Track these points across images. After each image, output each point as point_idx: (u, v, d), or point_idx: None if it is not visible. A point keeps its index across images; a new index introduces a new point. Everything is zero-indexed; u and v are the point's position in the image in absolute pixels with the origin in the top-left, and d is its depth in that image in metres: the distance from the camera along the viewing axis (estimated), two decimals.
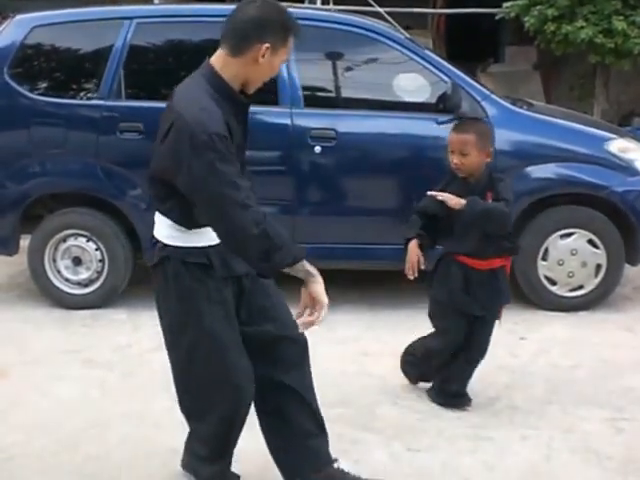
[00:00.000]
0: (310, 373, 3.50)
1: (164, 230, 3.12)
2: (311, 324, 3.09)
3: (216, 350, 3.15)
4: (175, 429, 4.05)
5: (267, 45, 2.99)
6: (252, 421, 3.36)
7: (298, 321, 3.11)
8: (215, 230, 2.97)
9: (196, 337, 3.16)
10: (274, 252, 2.90)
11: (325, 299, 3.06)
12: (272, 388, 3.34)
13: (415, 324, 5.42)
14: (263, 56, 3.01)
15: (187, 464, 3.57)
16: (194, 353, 3.20)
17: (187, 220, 3.05)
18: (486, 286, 4.10)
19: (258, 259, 2.92)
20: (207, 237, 3.06)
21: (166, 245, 3.10)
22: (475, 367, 4.27)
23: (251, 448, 3.51)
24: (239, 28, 3.03)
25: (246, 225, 2.83)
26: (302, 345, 3.45)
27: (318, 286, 3.07)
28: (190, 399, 3.41)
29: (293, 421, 3.38)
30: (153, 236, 3.17)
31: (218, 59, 3.10)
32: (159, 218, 3.13)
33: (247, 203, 2.85)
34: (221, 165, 2.84)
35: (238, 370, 3.19)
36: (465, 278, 4.10)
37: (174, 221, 3.07)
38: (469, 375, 4.28)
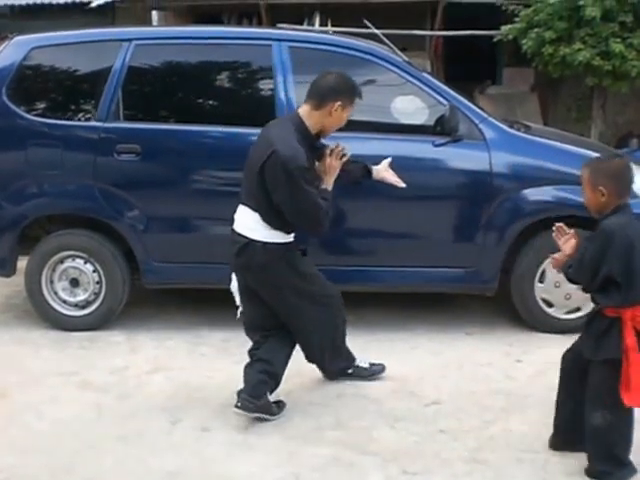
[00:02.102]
0: None
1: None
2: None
3: None
4: (171, 452, 4.09)
5: (339, 103, 4.38)
6: None
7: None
8: (303, 226, 4.46)
9: None
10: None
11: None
12: None
13: (412, 347, 5.46)
14: (336, 110, 4.39)
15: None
16: None
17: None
18: None
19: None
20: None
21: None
22: None
23: None
24: (321, 91, 4.42)
25: (324, 222, 4.41)
26: None
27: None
28: None
29: None
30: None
31: (304, 110, 4.45)
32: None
33: (325, 209, 4.36)
34: (308, 187, 4.26)
35: None
36: None
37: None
38: None
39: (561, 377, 4.04)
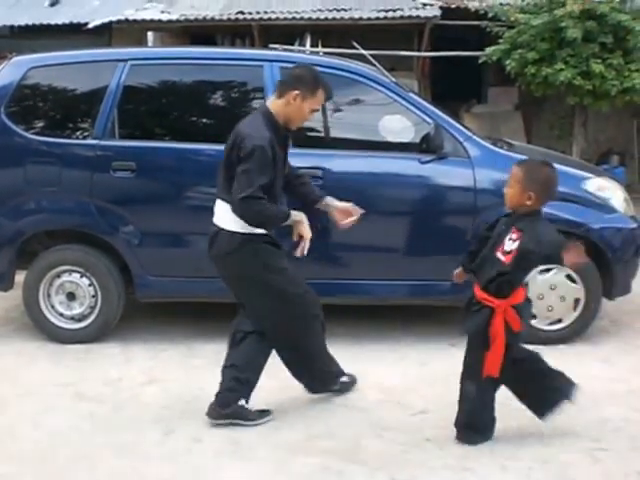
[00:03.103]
0: None
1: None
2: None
3: None
4: (163, 462, 4.14)
5: (297, 92, 4.39)
6: None
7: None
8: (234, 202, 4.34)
9: None
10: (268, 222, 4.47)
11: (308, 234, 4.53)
12: None
13: (400, 357, 5.56)
14: (294, 100, 4.39)
15: None
16: None
17: None
18: None
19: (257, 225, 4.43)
20: None
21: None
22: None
23: None
24: (283, 80, 4.59)
25: (252, 211, 4.34)
26: None
27: (301, 225, 4.52)
28: None
29: None
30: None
31: (270, 100, 4.58)
32: None
33: (265, 207, 4.33)
34: (261, 169, 4.27)
35: None
36: None
37: None
38: None
39: None
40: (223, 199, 4.49)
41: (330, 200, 4.82)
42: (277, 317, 4.57)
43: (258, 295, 4.54)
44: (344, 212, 4.81)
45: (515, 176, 4.10)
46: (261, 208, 4.32)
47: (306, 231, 4.52)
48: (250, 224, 4.38)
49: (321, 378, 4.86)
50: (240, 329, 4.58)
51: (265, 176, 4.31)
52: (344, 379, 4.97)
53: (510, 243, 4.06)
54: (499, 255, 4.10)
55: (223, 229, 4.47)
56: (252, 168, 4.27)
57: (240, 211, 4.34)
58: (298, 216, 4.52)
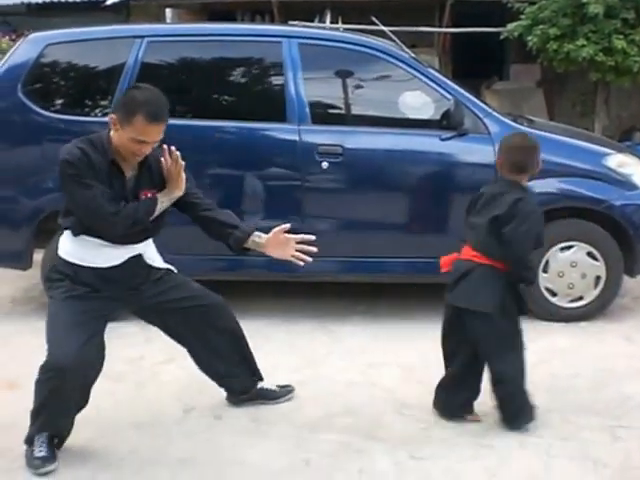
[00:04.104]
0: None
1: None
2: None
3: None
4: (183, 439, 4.14)
5: (113, 116, 3.73)
6: None
7: None
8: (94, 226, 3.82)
9: None
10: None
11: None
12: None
13: (419, 336, 5.54)
14: (114, 125, 3.72)
15: None
16: None
17: None
18: None
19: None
20: None
21: None
22: None
23: None
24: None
25: (112, 223, 3.77)
26: None
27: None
28: None
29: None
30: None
31: None
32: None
33: (117, 212, 3.74)
34: (74, 183, 3.70)
35: None
36: None
37: None
38: None
39: None
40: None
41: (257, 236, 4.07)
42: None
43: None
44: (278, 242, 4.07)
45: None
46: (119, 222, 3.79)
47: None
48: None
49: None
50: None
51: (89, 189, 3.71)
52: None
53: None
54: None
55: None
56: (72, 196, 3.80)
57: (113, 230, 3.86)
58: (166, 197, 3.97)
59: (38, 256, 6.11)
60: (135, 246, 3.99)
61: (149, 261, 4.09)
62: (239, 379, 4.47)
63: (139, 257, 4.02)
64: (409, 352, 5.27)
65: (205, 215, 4.11)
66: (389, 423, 4.33)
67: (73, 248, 3.91)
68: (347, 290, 6.42)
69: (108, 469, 3.86)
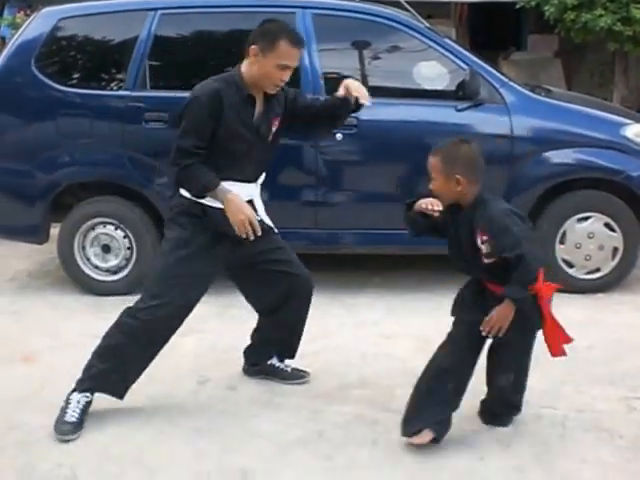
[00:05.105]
0: None
1: None
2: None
3: None
4: (198, 410, 4.17)
5: (254, 47, 3.80)
6: None
7: None
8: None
9: None
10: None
11: (237, 217, 3.78)
12: None
13: (434, 307, 5.53)
14: (255, 56, 3.81)
15: None
16: None
17: None
18: None
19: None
20: None
21: None
22: None
23: None
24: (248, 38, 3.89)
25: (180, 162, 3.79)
26: None
27: (230, 204, 3.78)
28: None
29: None
30: None
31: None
32: None
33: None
34: (191, 118, 3.77)
35: None
36: None
37: None
38: None
39: None
40: None
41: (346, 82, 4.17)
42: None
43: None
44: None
45: (434, 167, 3.64)
46: (181, 171, 3.82)
47: (241, 213, 3.80)
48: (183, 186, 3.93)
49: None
50: None
51: (194, 136, 3.79)
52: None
53: (486, 246, 3.59)
54: (485, 260, 3.61)
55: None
56: (183, 127, 3.82)
57: (175, 174, 3.89)
58: (231, 194, 3.81)
59: (54, 230, 6.15)
60: (250, 186, 4.05)
61: (259, 212, 4.09)
62: (280, 348, 4.51)
63: (251, 203, 4.01)
64: (424, 324, 5.26)
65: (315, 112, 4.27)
66: (403, 395, 4.22)
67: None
68: (362, 262, 6.41)
69: (123, 440, 3.88)
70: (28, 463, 3.66)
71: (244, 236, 3.81)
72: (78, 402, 3.94)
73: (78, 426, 3.89)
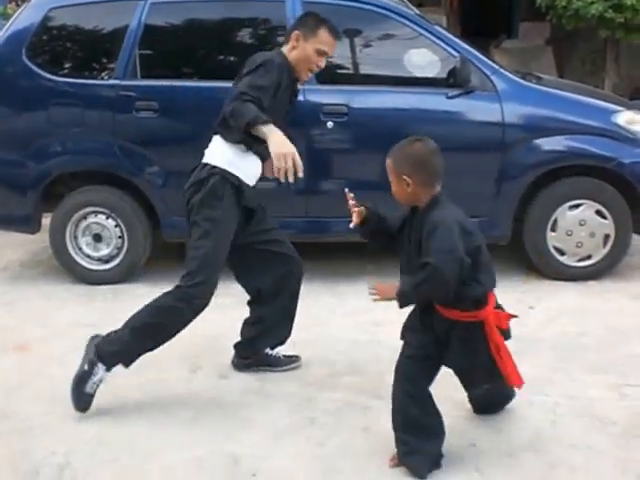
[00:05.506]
0: None
1: None
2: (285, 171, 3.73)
3: None
4: (190, 398, 4.17)
5: (297, 32, 4.09)
6: None
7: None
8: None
9: None
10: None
11: (281, 150, 3.75)
12: None
13: None
14: (297, 40, 4.09)
15: None
16: None
17: None
18: None
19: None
20: None
21: None
22: None
23: None
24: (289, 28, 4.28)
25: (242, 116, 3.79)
26: None
27: (276, 137, 3.77)
28: None
29: None
30: None
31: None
32: None
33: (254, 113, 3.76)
34: (261, 79, 3.89)
35: None
36: None
37: None
38: None
39: None
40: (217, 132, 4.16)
41: None
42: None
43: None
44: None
45: (388, 168, 3.49)
46: (241, 104, 3.82)
47: (285, 147, 3.77)
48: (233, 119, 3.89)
49: None
50: None
51: (266, 86, 3.89)
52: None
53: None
54: None
55: (206, 163, 4.12)
56: (257, 74, 3.91)
57: (231, 107, 3.87)
58: (279, 131, 3.81)
59: (46, 220, 6.14)
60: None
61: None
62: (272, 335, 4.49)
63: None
64: None
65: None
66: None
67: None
68: (354, 250, 6.41)
69: (115, 428, 3.88)
70: (22, 451, 3.67)
71: (282, 174, 3.73)
72: (101, 379, 3.97)
73: (92, 399, 3.97)
